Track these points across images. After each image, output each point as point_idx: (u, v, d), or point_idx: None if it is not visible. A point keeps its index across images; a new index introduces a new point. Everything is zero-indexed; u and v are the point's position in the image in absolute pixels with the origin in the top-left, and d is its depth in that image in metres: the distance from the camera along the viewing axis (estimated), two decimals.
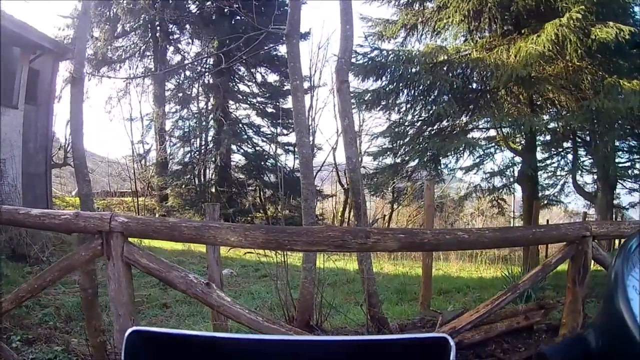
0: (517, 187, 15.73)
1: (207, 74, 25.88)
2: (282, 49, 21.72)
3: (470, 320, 3.97)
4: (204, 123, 26.53)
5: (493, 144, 14.87)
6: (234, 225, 3.77)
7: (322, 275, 7.11)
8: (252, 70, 26.60)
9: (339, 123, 11.98)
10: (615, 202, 17.83)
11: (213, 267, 5.38)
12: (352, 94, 11.64)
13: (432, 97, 12.86)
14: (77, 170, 7.31)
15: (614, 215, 18.08)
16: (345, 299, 8.96)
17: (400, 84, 12.58)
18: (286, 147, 26.30)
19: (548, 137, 14.79)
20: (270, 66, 26.18)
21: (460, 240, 3.86)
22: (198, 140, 26.94)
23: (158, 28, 26.15)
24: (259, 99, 26.78)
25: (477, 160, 15.08)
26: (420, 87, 12.62)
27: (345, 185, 22.89)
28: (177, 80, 26.79)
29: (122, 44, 26.55)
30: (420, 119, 13.59)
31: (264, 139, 26.76)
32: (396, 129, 13.76)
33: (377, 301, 6.61)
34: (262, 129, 26.77)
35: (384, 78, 12.59)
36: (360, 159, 18.57)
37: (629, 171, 17.50)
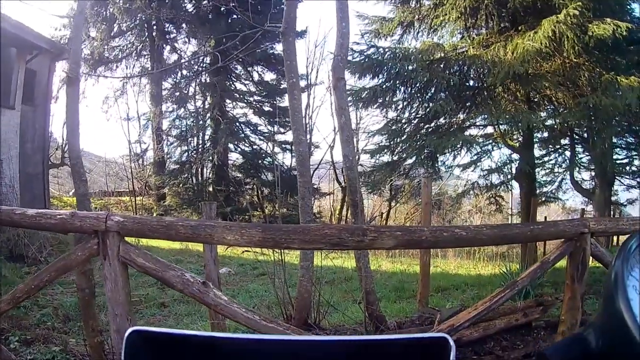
0: (515, 184, 15.75)
1: (203, 72, 25.91)
2: (279, 47, 21.71)
3: (468, 318, 3.96)
4: (201, 122, 26.55)
5: (490, 141, 14.87)
6: (230, 223, 3.75)
7: (319, 273, 7.12)
8: (248, 68, 26.62)
9: (336, 121, 11.97)
10: (613, 198, 17.89)
11: (210, 266, 5.37)
12: (348, 92, 11.64)
13: (429, 94, 12.84)
14: (74, 170, 7.30)
15: (611, 212, 18.15)
16: (343, 297, 8.96)
17: (397, 82, 12.56)
18: (283, 146, 26.37)
19: (545, 134, 14.80)
20: (267, 64, 26.17)
21: (458, 237, 3.84)
22: (195, 139, 26.95)
23: (154, 27, 26.15)
24: (255, 97, 26.79)
25: (475, 157, 15.10)
26: (417, 85, 12.59)
27: (343, 183, 22.85)
28: (174, 80, 26.83)
29: (118, 43, 26.58)
30: (417, 116, 13.57)
31: (261, 138, 26.79)
32: (393, 127, 13.74)
33: (374, 299, 6.61)
34: (259, 128, 26.84)
35: (380, 76, 12.57)
36: (357, 157, 18.58)
37: (627, 168, 17.59)
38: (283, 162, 26.17)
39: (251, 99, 26.81)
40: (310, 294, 6.50)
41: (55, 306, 7.25)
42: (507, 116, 12.19)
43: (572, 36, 10.05)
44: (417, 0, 13.85)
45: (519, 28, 11.67)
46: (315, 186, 24.52)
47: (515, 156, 15.13)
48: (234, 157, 27.10)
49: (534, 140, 14.22)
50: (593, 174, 17.03)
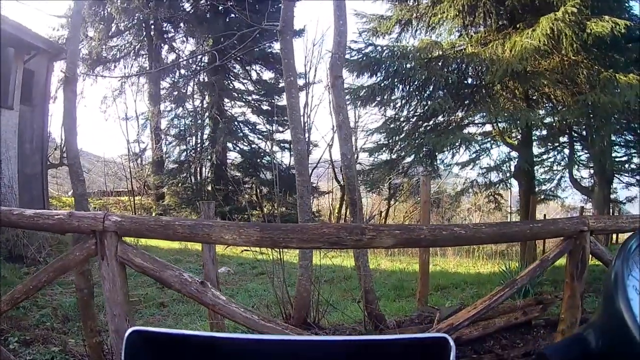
0: (514, 182, 15.76)
1: (202, 72, 25.85)
2: (277, 46, 21.71)
3: (468, 317, 3.95)
4: (199, 121, 26.51)
5: (489, 139, 14.89)
6: (228, 223, 3.74)
7: (318, 272, 7.12)
8: (247, 67, 26.60)
9: (334, 119, 11.97)
10: (612, 196, 17.89)
11: (209, 266, 5.36)
12: (346, 90, 11.65)
13: (427, 92, 12.83)
14: (72, 170, 7.30)
15: (611, 210, 18.17)
16: (342, 296, 8.97)
17: (395, 80, 12.54)
18: (282, 144, 26.34)
19: (544, 132, 14.80)
20: (265, 63, 26.14)
21: (457, 236, 3.83)
22: (194, 138, 26.92)
23: (152, 27, 26.10)
24: (254, 96, 26.75)
25: (474, 155, 15.15)
26: (416, 83, 12.58)
27: (342, 182, 22.83)
28: (172, 79, 26.78)
29: (116, 43, 26.50)
30: (415, 114, 13.57)
31: (260, 137, 26.73)
32: (391, 125, 13.74)
33: (374, 298, 6.62)
34: (257, 127, 26.78)
35: (378, 74, 12.56)
36: (355, 156, 18.59)
37: (626, 165, 17.60)
38: (282, 161, 26.19)
39: (249, 97, 26.78)
40: (309, 293, 6.50)
41: (55, 306, 7.25)
42: (505, 114, 12.21)
43: (570, 34, 10.04)
44: None
45: (517, 26, 11.66)
46: (313, 185, 24.52)
47: (514, 154, 15.16)
48: (233, 156, 27.12)
49: (533, 138, 14.24)
50: (592, 171, 17.02)
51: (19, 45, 13.59)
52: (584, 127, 13.49)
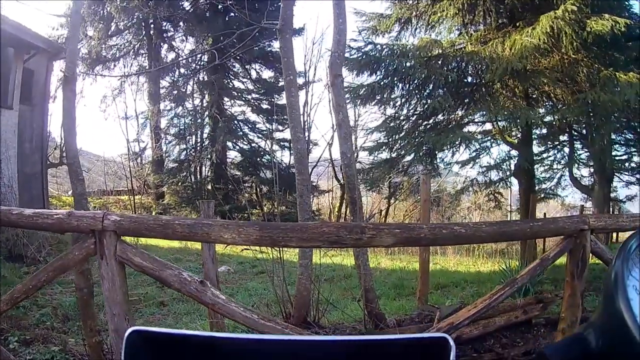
0: (514, 181, 15.76)
1: (201, 71, 25.86)
2: (276, 45, 21.72)
3: (468, 316, 3.95)
4: (199, 120, 26.53)
5: (489, 138, 14.89)
6: (227, 222, 3.73)
7: (318, 271, 7.12)
8: (246, 66, 26.62)
9: (334, 118, 11.97)
10: (612, 195, 17.89)
11: (208, 265, 5.35)
12: (346, 89, 11.65)
13: (427, 91, 12.83)
14: (71, 170, 7.29)
15: (611, 209, 18.17)
16: (343, 295, 8.96)
17: (395, 78, 12.54)
18: (282, 143, 26.35)
19: (544, 131, 14.80)
20: (264, 62, 26.15)
21: (457, 234, 3.83)
22: (193, 137, 26.95)
23: (152, 26, 26.13)
24: (253, 95, 26.76)
25: (473, 154, 15.15)
26: (415, 81, 12.59)
27: (342, 181, 22.82)
28: (172, 78, 26.79)
29: (116, 42, 26.55)
30: (415, 113, 13.56)
31: (260, 135, 26.74)
32: (391, 124, 13.73)
33: (374, 297, 6.62)
34: (257, 125, 26.78)
35: (378, 72, 12.55)
36: (355, 154, 18.60)
37: (626, 164, 17.62)
38: (281, 160, 26.19)
39: (249, 96, 26.79)
40: (309, 292, 6.50)
41: (54, 306, 7.24)
42: (505, 112, 12.22)
43: (570, 32, 10.03)
44: None
45: (517, 24, 11.65)
46: (313, 184, 24.52)
47: (514, 153, 15.18)
48: (233, 155, 27.13)
49: (533, 136, 14.24)
50: (592, 170, 17.03)
51: (19, 44, 13.58)
52: (584, 125, 13.49)
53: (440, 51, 12.45)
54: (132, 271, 3.78)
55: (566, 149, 16.48)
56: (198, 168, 26.73)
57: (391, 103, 13.62)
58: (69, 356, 5.22)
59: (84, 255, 3.61)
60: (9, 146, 13.41)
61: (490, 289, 5.06)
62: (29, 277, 4.03)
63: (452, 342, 1.28)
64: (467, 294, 9.42)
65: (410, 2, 13.83)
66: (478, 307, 3.97)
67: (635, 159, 17.39)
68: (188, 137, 26.73)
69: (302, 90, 25.10)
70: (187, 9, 25.46)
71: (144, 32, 26.29)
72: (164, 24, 25.89)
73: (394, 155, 14.24)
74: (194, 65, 26.66)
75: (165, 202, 25.65)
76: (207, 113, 25.93)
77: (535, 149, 15.58)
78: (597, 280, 6.92)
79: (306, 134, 24.55)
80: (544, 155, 17.62)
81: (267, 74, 26.90)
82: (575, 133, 15.05)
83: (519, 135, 14.13)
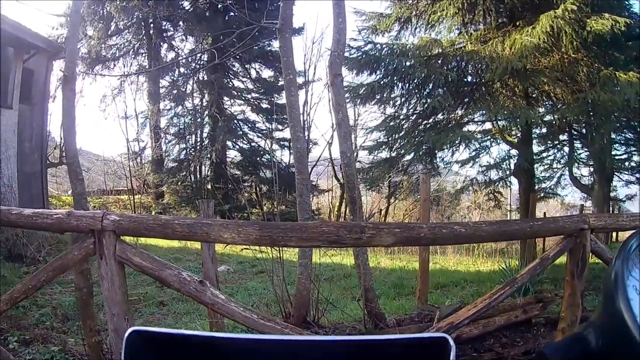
0: (514, 180, 15.74)
1: (201, 70, 25.88)
2: (276, 44, 21.69)
3: (468, 315, 3.94)
4: (199, 120, 26.53)
5: (489, 137, 14.89)
6: (227, 221, 3.74)
7: (318, 271, 7.12)
8: (246, 66, 26.61)
9: (334, 117, 11.97)
10: (612, 194, 17.89)
11: (208, 265, 5.35)
12: (346, 88, 11.64)
13: (426, 90, 12.83)
14: (70, 169, 7.27)
15: (610, 208, 18.17)
16: (342, 294, 8.97)
17: (395, 78, 12.55)
18: (281, 143, 26.36)
19: (544, 130, 14.80)
20: (264, 62, 26.15)
21: (457, 234, 3.83)
22: (193, 137, 26.95)
23: (151, 25, 26.15)
24: (253, 94, 26.76)
25: (473, 153, 15.14)
26: (415, 81, 12.59)
27: (341, 180, 22.82)
28: (172, 77, 26.78)
29: (115, 42, 26.52)
30: (415, 112, 13.56)
31: (259, 135, 26.73)
32: (391, 123, 13.73)
33: (374, 296, 6.62)
34: (257, 125, 26.76)
35: (378, 72, 12.56)
36: (355, 154, 18.60)
37: (626, 163, 17.60)
38: (281, 159, 26.20)
39: (249, 96, 26.80)
40: (308, 291, 6.50)
41: (54, 306, 7.25)
42: (505, 112, 12.22)
43: (570, 31, 10.03)
44: None
45: (517, 23, 11.65)
46: (313, 183, 24.54)
47: (513, 152, 15.16)
48: (232, 155, 27.12)
49: (533, 136, 14.23)
50: (592, 169, 17.02)
51: (18, 44, 13.58)
52: (583, 125, 13.47)
53: (440, 50, 12.45)
54: (131, 271, 3.77)
55: (566, 149, 16.46)
56: (198, 167, 26.75)
57: (391, 102, 13.63)
58: (69, 356, 5.22)
59: (84, 255, 3.61)
60: (8, 146, 13.42)
61: (490, 289, 5.06)
62: (28, 277, 4.03)
63: (452, 342, 1.28)
64: (466, 294, 9.42)
65: (410, 1, 13.83)
66: (478, 307, 3.97)
67: (635, 158, 17.38)
68: (188, 137, 26.73)
69: (302, 90, 25.13)
70: (186, 8, 25.45)
71: (143, 32, 26.30)
72: (164, 23, 25.90)
73: (393, 154, 14.25)
74: (193, 64, 26.66)
75: (165, 202, 25.66)
76: (206, 112, 25.93)
77: (535, 148, 15.58)
78: (597, 280, 6.91)
79: (306, 133, 24.56)
80: (544, 154, 17.60)
81: (266, 73, 26.96)
82: (575, 132, 15.04)
83: (518, 135, 14.12)
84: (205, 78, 25.93)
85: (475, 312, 3.96)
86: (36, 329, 6.09)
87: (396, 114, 13.79)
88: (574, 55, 11.07)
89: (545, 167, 18.27)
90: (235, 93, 26.78)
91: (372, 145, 15.09)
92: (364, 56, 12.33)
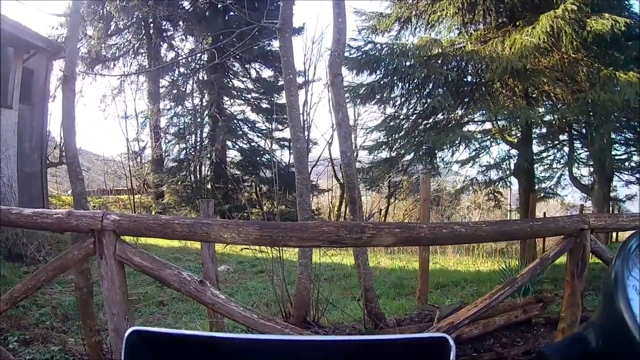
0: (514, 180, 15.74)
1: (201, 70, 25.88)
2: (276, 44, 21.70)
3: (468, 315, 3.94)
4: (198, 119, 26.53)
5: (489, 137, 14.89)
6: (227, 221, 3.73)
7: (318, 271, 7.11)
8: (246, 65, 26.62)
9: (334, 117, 11.97)
10: (612, 194, 17.89)
11: (208, 264, 5.35)
12: (346, 88, 11.64)
13: (426, 90, 12.83)
14: (70, 169, 7.27)
15: (610, 208, 18.17)
16: (342, 294, 8.96)
17: (395, 78, 12.55)
18: (281, 143, 26.35)
19: (544, 130, 14.80)
20: (264, 61, 26.15)
21: (457, 234, 3.83)
22: (193, 136, 26.95)
23: (151, 25, 26.16)
24: (253, 94, 26.77)
25: (473, 153, 15.14)
26: (415, 81, 12.59)
27: (341, 180, 22.82)
28: (172, 77, 26.78)
29: (115, 41, 26.52)
30: (415, 112, 13.56)
31: (259, 135, 26.74)
32: (391, 123, 13.73)
33: (374, 296, 6.62)
34: (257, 125, 26.76)
35: (378, 72, 12.56)
36: (355, 153, 18.60)
37: (626, 163, 17.60)
38: (281, 159, 26.18)
39: (249, 96, 26.80)
40: (308, 291, 6.50)
41: (54, 305, 7.25)
42: (505, 112, 12.23)
43: (570, 31, 10.04)
44: None
45: (517, 23, 11.65)
46: (313, 183, 24.53)
47: (513, 152, 15.16)
48: (232, 155, 27.13)
49: (533, 136, 14.23)
50: (592, 169, 17.03)
51: (18, 44, 13.57)
52: (583, 125, 13.47)
53: (440, 50, 12.45)
54: (131, 270, 3.77)
55: (566, 149, 16.47)
56: (198, 167, 26.75)
57: (391, 102, 13.63)
58: (69, 356, 5.22)
59: (84, 254, 3.61)
60: (8, 145, 13.41)
61: (490, 289, 5.06)
62: (28, 277, 4.03)
63: (452, 342, 1.29)
64: (466, 294, 9.42)
65: (410, 1, 13.83)
66: (478, 307, 3.97)
67: (635, 158, 17.39)
68: (188, 137, 26.73)
69: (302, 90, 25.13)
70: (186, 8, 25.46)
71: (143, 32, 26.30)
72: (164, 23, 25.89)
73: (393, 154, 14.25)
74: (193, 64, 26.66)
75: (165, 202, 25.67)
76: (206, 112, 25.93)
77: (535, 148, 15.58)
78: (597, 280, 6.91)
79: (306, 133, 24.55)
80: (544, 154, 17.61)
81: (266, 73, 26.97)
82: (575, 132, 15.04)
83: (518, 135, 14.12)
84: (205, 78, 25.93)
85: (476, 312, 3.96)
86: (36, 329, 6.09)
87: (396, 113, 13.79)
88: (574, 55, 11.07)
89: (545, 167, 18.29)
90: (235, 93, 26.78)
91: (372, 145, 15.09)
92: (364, 56, 12.34)
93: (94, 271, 4.44)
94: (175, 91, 26.34)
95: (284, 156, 26.52)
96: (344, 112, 7.09)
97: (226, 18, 23.93)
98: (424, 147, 12.57)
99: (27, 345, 5.46)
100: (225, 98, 26.22)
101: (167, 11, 23.88)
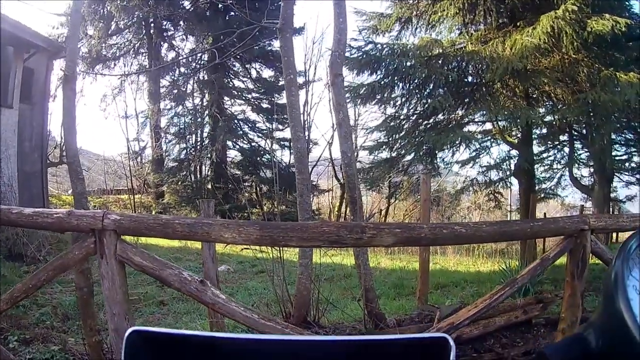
0: (514, 181, 15.75)
1: (201, 70, 25.87)
2: (277, 44, 21.73)
3: (468, 316, 3.94)
4: (199, 119, 26.51)
5: (489, 138, 14.89)
6: (227, 221, 3.73)
7: (318, 271, 7.12)
8: (246, 65, 26.60)
9: (334, 117, 11.98)
10: (612, 195, 17.91)
11: (208, 264, 5.35)
12: (346, 88, 11.65)
13: (427, 90, 12.83)
14: (71, 169, 7.28)
15: (610, 209, 18.18)
16: (342, 295, 8.96)
17: (395, 78, 12.55)
18: (282, 143, 26.32)
19: (544, 130, 14.81)
20: (264, 61, 26.12)
21: (457, 234, 3.83)
22: (193, 136, 26.95)
23: (152, 25, 26.15)
24: (253, 94, 26.75)
25: (474, 153, 15.14)
26: (416, 81, 12.59)
27: (342, 180, 22.82)
28: (172, 77, 26.78)
29: (116, 41, 26.53)
30: (415, 112, 13.56)
31: (260, 135, 26.70)
32: (391, 123, 13.73)
33: (374, 296, 6.61)
34: (257, 125, 26.74)
35: (378, 72, 12.56)
36: (356, 154, 18.60)
37: (626, 164, 17.63)
38: (281, 159, 26.13)
39: (249, 96, 26.79)
40: (309, 291, 6.49)
41: (54, 305, 7.24)
42: (505, 112, 12.24)
43: (570, 32, 10.04)
44: None
45: (518, 24, 11.65)
46: (313, 183, 24.50)
47: (514, 152, 15.18)
48: (233, 155, 27.11)
49: (533, 136, 14.24)
50: (592, 170, 17.06)
51: (19, 43, 13.56)
52: (584, 125, 13.50)
53: (441, 51, 12.45)
54: (131, 270, 3.77)
55: (566, 149, 16.50)
56: (198, 167, 26.74)
57: (391, 102, 13.63)
58: (69, 355, 5.22)
59: (84, 254, 3.61)
60: (8, 145, 13.41)
61: (490, 289, 5.06)
62: (28, 276, 4.03)
63: (452, 342, 1.28)
64: (467, 294, 9.42)
65: (411, 1, 13.84)
66: (478, 307, 3.97)
67: (635, 159, 17.44)
68: (188, 136, 26.73)
69: (302, 90, 25.12)
70: (187, 8, 25.47)
71: (144, 31, 26.31)
72: (164, 23, 25.91)
73: (394, 154, 14.25)
74: (194, 64, 26.66)
75: (165, 202, 25.66)
76: (207, 112, 25.92)
77: (536, 148, 15.61)
78: (597, 281, 6.91)
79: (306, 133, 24.54)
80: (544, 155, 17.65)
81: (267, 73, 26.94)
82: (576, 133, 15.07)
83: (519, 135, 14.13)
84: (206, 78, 25.93)
85: (476, 312, 3.96)
86: (36, 328, 6.08)
87: (397, 114, 13.79)
88: (574, 56, 11.07)
89: (546, 167, 18.32)
90: (236, 93, 26.77)
91: (372, 146, 15.11)
92: (364, 56, 12.34)
93: (95, 271, 4.45)
94: (175, 91, 26.33)
95: (285, 156, 26.53)
96: (345, 112, 7.09)
97: (227, 18, 23.92)
98: (424, 147, 12.58)
99: (28, 344, 5.45)
100: (226, 98, 26.22)
101: (167, 11, 23.89)
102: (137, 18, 25.38)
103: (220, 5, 22.00)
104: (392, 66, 12.20)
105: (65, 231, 4.03)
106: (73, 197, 7.74)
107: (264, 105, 26.28)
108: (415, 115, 13.58)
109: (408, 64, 12.14)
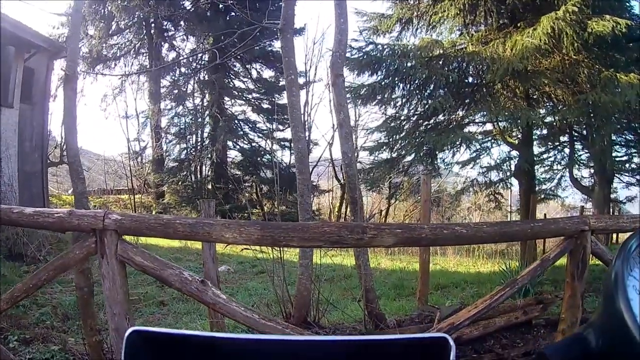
0: (514, 182, 15.75)
1: (202, 70, 25.85)
2: (277, 45, 21.77)
3: (468, 316, 3.94)
4: (199, 119, 26.50)
5: (489, 138, 14.91)
6: (228, 221, 3.73)
7: (319, 271, 7.10)
8: (247, 66, 26.60)
9: (335, 118, 11.97)
10: (612, 196, 17.91)
11: (209, 264, 5.34)
12: (347, 89, 11.64)
13: (427, 91, 12.84)
14: (72, 169, 7.27)
15: (611, 209, 18.18)
16: (343, 295, 8.96)
17: (396, 78, 12.56)
18: (282, 143, 26.28)
19: (545, 131, 14.83)
20: (265, 62, 26.12)
21: (458, 235, 3.82)
22: (194, 136, 26.93)
23: (152, 25, 26.13)
24: (254, 94, 26.75)
25: (474, 154, 15.15)
26: (416, 82, 12.60)
27: (342, 181, 22.82)
28: (173, 77, 26.79)
29: (116, 41, 26.53)
30: (416, 113, 13.57)
31: (260, 135, 26.68)
32: (392, 124, 13.74)
33: (374, 297, 6.62)
34: (257, 125, 26.75)
35: (379, 72, 12.58)
36: (356, 154, 18.59)
37: (626, 165, 17.62)
38: (282, 160, 26.14)
39: (250, 96, 26.78)
40: (309, 291, 6.49)
41: (54, 305, 7.23)
42: (506, 113, 12.25)
43: (571, 33, 10.04)
44: None
45: (518, 25, 11.67)
46: (314, 183, 24.51)
47: (514, 153, 15.18)
48: (233, 155, 27.11)
49: (533, 137, 14.24)
50: (592, 171, 17.08)
51: (19, 43, 13.55)
52: (584, 126, 13.51)
53: (441, 51, 12.47)
54: (131, 270, 3.78)
55: (566, 150, 16.52)
56: (198, 167, 26.71)
57: (392, 103, 13.65)
58: (69, 355, 5.22)
59: (85, 254, 3.61)
60: (9, 145, 13.40)
61: (491, 290, 5.06)
62: (29, 276, 4.03)
63: (452, 343, 1.28)
64: (467, 295, 9.42)
65: (412, 2, 13.84)
66: (478, 308, 3.97)
67: (636, 160, 17.43)
68: (188, 137, 26.72)
69: (303, 90, 25.07)
70: (188, 8, 25.45)
71: (144, 31, 26.30)
72: (165, 23, 25.90)
73: (394, 155, 14.26)
74: (194, 64, 26.67)
75: (166, 202, 25.64)
76: (207, 112, 25.92)
77: (536, 149, 15.62)
78: (597, 281, 6.91)
79: (307, 133, 24.54)
80: (545, 156, 17.66)
81: (267, 73, 26.95)
82: (576, 134, 15.07)
83: (519, 136, 14.14)
84: (206, 78, 25.93)
85: (476, 313, 3.96)
86: (36, 328, 6.08)
87: (397, 114, 13.80)
88: (574, 57, 11.07)
89: (546, 168, 18.32)
90: (236, 93, 26.77)
91: (373, 146, 15.12)
92: (365, 57, 12.36)
93: (95, 271, 4.45)
94: (176, 91, 26.34)
95: (285, 156, 26.51)
96: (346, 113, 7.09)
97: (227, 18, 23.90)
98: (424, 148, 12.58)
99: (28, 344, 5.45)
100: (226, 98, 26.23)
101: (168, 11, 23.87)
102: (137, 18, 25.39)
103: (221, 6, 21.96)
104: (393, 67, 12.21)
105: (66, 231, 4.02)
106: (74, 196, 7.74)
107: (265, 106, 26.27)
108: (415, 116, 13.59)
109: (409, 64, 12.15)
